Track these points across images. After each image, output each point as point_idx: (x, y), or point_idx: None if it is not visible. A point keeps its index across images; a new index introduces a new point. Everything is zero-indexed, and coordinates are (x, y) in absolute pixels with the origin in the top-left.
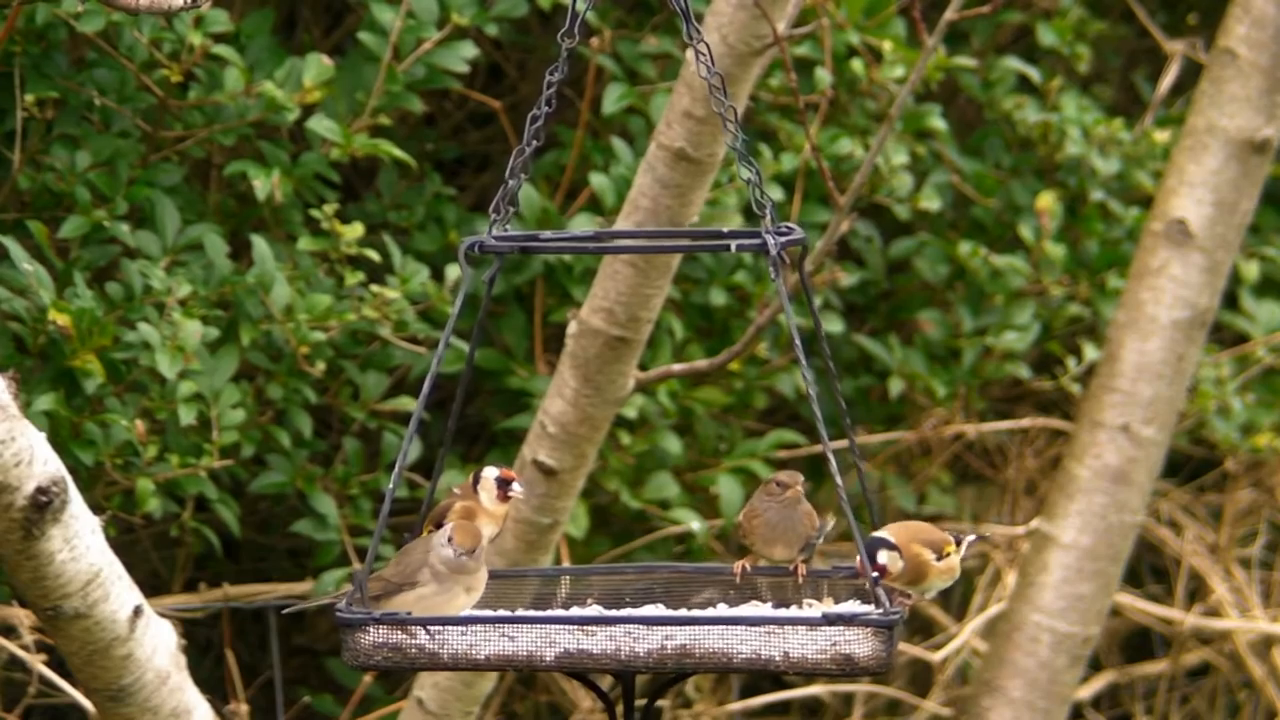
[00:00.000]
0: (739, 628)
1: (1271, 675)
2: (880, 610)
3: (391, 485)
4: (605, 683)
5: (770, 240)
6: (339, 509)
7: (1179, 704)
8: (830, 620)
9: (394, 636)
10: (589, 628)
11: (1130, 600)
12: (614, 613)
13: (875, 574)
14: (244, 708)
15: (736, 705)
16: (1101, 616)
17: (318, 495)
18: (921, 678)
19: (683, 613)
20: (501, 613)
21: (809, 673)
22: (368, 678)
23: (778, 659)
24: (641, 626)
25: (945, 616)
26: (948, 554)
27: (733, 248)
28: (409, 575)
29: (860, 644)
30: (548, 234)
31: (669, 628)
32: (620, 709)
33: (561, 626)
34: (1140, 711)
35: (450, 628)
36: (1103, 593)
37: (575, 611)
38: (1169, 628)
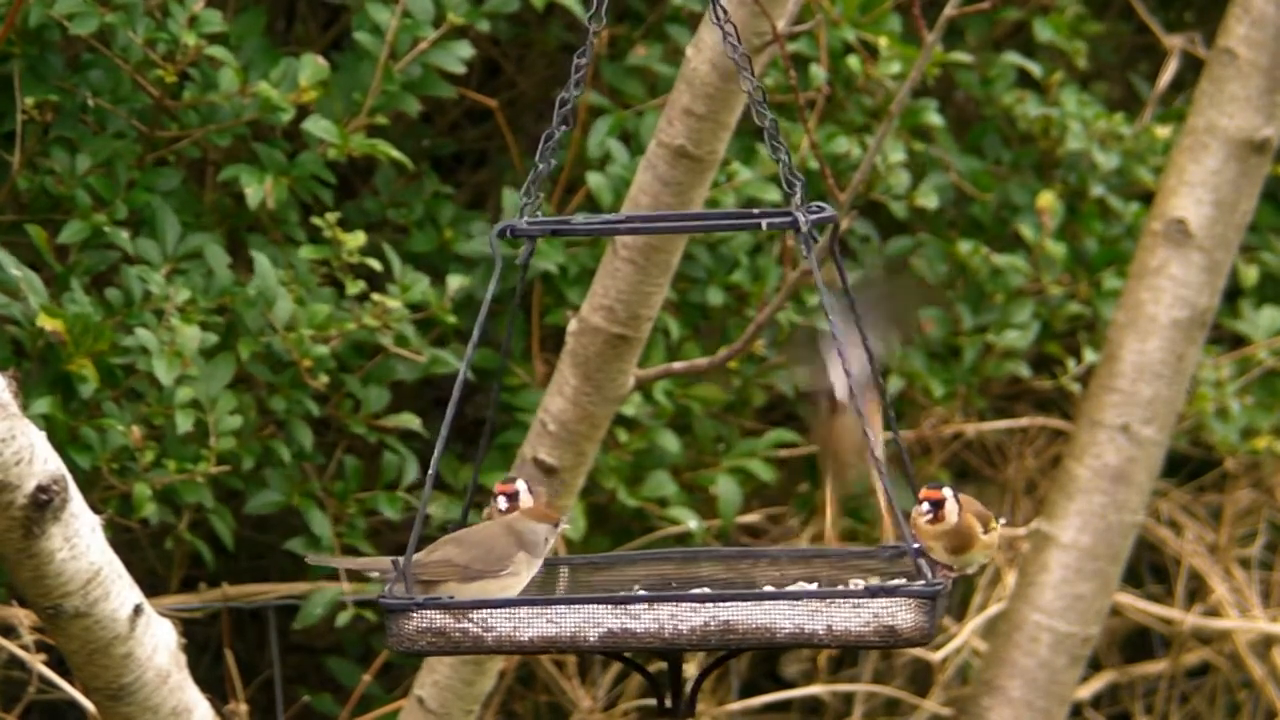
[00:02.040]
0: (782, 603)
1: (1271, 675)
2: (923, 581)
3: (432, 469)
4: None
5: (801, 217)
6: (334, 526)
7: (1179, 704)
8: (873, 593)
9: (439, 621)
10: (632, 607)
11: (1130, 600)
12: (657, 593)
13: (917, 544)
14: (243, 707)
15: (736, 705)
16: (1101, 616)
17: (313, 514)
18: (921, 678)
19: (726, 590)
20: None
21: (853, 645)
22: (367, 676)
23: (821, 633)
24: (685, 604)
25: (945, 616)
26: (991, 529)
27: (764, 226)
28: (494, 563)
29: (903, 615)
30: (580, 218)
31: (712, 605)
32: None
33: (605, 607)
34: (1140, 711)
35: (495, 611)
36: (1102, 592)
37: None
38: (1169, 628)
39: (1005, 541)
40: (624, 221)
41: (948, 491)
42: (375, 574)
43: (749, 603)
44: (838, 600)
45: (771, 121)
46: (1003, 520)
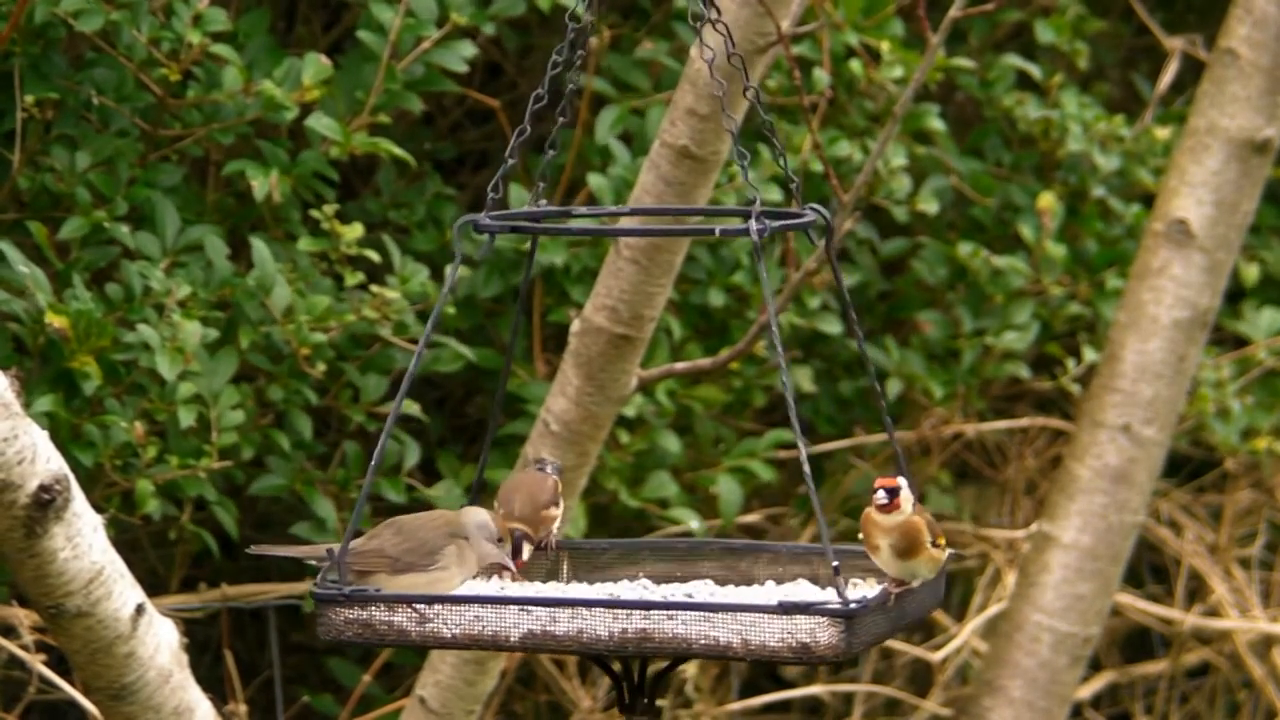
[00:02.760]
0: (696, 614)
1: (1271, 675)
2: (839, 600)
3: (375, 460)
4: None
5: (753, 227)
6: (337, 512)
7: (1179, 704)
8: (786, 609)
9: (364, 613)
10: (555, 610)
11: (1130, 600)
12: (575, 595)
13: (836, 563)
14: (242, 707)
15: (736, 705)
16: (1102, 616)
17: (317, 499)
18: (921, 678)
19: (645, 597)
20: (478, 592)
21: (767, 660)
22: (367, 676)
23: (736, 645)
24: (601, 610)
25: (945, 616)
26: (940, 544)
27: (717, 232)
28: (423, 557)
29: (818, 633)
30: (573, 209)
31: (629, 611)
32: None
33: (527, 609)
34: (1140, 711)
35: (419, 605)
36: (1103, 593)
37: (554, 593)
38: (1169, 628)
39: (1006, 541)
40: (583, 217)
41: (903, 481)
42: (312, 561)
43: (664, 612)
44: (753, 615)
45: (739, 126)
46: (950, 552)
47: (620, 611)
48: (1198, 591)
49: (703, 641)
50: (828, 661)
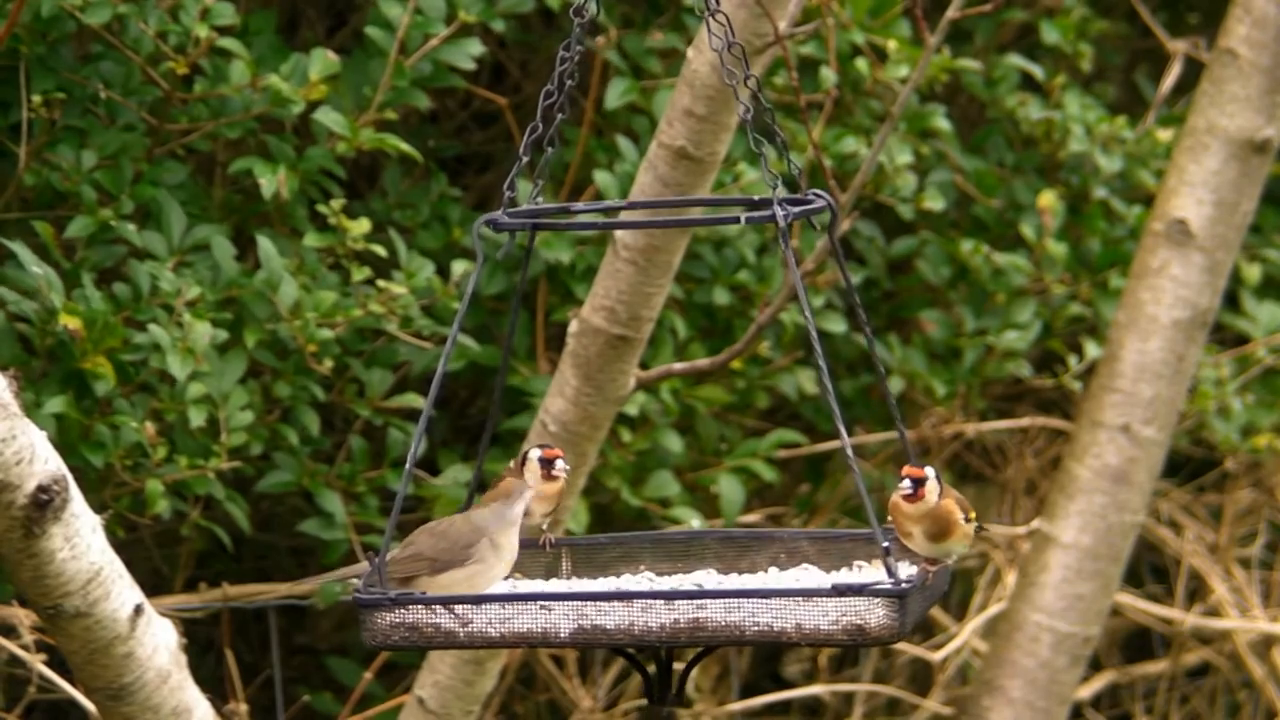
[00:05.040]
0: (750, 600)
1: (1271, 675)
2: (891, 580)
3: (404, 481)
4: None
5: (779, 210)
6: (345, 507)
7: (1179, 704)
8: (840, 591)
9: (411, 615)
10: (604, 604)
11: (1130, 600)
12: (627, 588)
13: (886, 544)
14: (243, 707)
15: (737, 705)
16: (1102, 616)
17: (324, 494)
18: (921, 678)
19: (696, 586)
20: (523, 589)
21: (821, 643)
22: (368, 674)
23: (790, 630)
24: (655, 601)
25: (945, 616)
26: (971, 519)
27: (743, 220)
28: (459, 552)
29: (871, 614)
30: (580, 205)
31: (682, 602)
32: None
33: (577, 603)
34: (1140, 711)
35: (469, 606)
36: (1103, 593)
37: (597, 586)
38: (1169, 628)
39: (1006, 541)
40: (606, 212)
41: (930, 471)
42: (357, 580)
43: (718, 600)
44: (807, 598)
45: (753, 115)
46: (977, 525)
47: (672, 602)
48: (1198, 591)
49: (756, 628)
50: (883, 642)
